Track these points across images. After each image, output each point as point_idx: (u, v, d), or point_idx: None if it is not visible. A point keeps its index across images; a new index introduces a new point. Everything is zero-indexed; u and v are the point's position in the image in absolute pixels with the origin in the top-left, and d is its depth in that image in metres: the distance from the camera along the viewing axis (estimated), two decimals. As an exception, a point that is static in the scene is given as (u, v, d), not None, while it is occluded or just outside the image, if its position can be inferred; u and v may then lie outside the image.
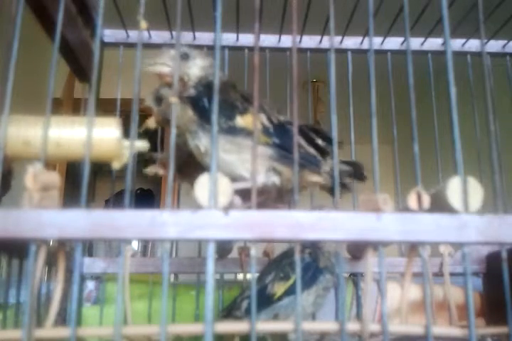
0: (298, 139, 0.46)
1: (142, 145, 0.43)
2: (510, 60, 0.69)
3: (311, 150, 0.47)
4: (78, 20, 0.58)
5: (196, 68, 0.49)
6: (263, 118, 0.47)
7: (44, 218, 0.27)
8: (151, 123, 0.50)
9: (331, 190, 0.48)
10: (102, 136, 0.39)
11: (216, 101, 0.30)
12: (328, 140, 0.48)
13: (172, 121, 0.31)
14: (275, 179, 0.45)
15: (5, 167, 0.30)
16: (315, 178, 0.46)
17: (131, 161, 0.31)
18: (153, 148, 0.66)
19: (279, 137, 0.46)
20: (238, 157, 0.45)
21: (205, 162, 0.47)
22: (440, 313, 0.62)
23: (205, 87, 0.47)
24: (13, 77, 0.32)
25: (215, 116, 0.30)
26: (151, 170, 0.52)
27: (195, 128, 0.46)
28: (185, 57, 0.49)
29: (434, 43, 0.69)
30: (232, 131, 0.45)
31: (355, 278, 0.65)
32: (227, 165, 0.44)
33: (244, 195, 0.38)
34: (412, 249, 0.33)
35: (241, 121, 0.46)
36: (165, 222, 0.27)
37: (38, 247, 0.28)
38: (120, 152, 0.40)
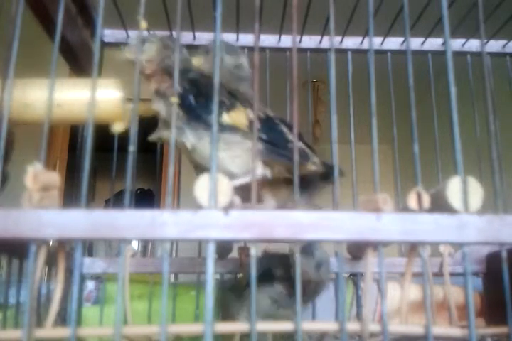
0: (288, 134, 0.47)
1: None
2: (510, 60, 0.69)
3: (300, 144, 0.47)
4: (78, 20, 0.58)
5: (151, 51, 0.49)
6: (250, 113, 0.47)
7: (44, 218, 0.27)
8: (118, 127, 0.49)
9: (322, 177, 0.48)
10: (104, 97, 0.39)
11: (216, 102, 0.30)
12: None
13: (172, 121, 0.31)
14: (267, 172, 0.46)
15: (6, 134, 0.30)
16: (308, 167, 0.46)
17: (131, 160, 0.31)
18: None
19: (266, 132, 0.46)
20: (227, 154, 0.45)
21: (192, 159, 0.47)
22: (440, 313, 0.62)
23: (191, 83, 0.47)
24: (13, 77, 0.32)
25: (215, 117, 0.30)
26: None
27: (181, 124, 0.46)
28: (141, 42, 0.49)
29: (434, 43, 0.69)
30: (220, 128, 0.45)
31: (355, 278, 0.65)
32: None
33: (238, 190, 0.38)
34: (412, 249, 0.33)
35: (227, 118, 0.46)
36: (165, 222, 0.27)
37: (38, 247, 0.28)
38: (122, 114, 0.39)
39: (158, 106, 0.48)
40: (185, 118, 0.46)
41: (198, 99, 0.46)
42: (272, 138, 0.46)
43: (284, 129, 0.47)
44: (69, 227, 0.27)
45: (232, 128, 0.46)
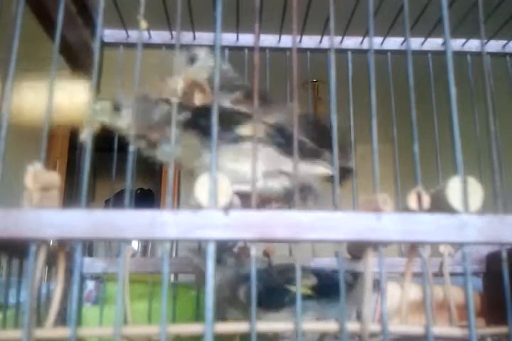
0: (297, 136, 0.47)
1: None
2: (510, 60, 0.69)
3: (311, 145, 0.47)
4: (78, 20, 0.58)
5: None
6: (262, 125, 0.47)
7: (44, 218, 0.27)
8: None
9: (331, 179, 0.48)
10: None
11: (216, 103, 0.30)
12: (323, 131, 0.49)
13: (172, 121, 0.31)
14: (285, 181, 0.46)
15: None
16: (321, 170, 0.47)
17: (131, 160, 0.31)
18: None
19: (281, 136, 0.46)
20: (247, 164, 0.45)
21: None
22: (440, 313, 0.62)
23: (197, 110, 0.48)
24: (13, 77, 0.32)
25: (215, 117, 0.30)
26: None
27: (199, 150, 0.46)
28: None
29: (434, 43, 0.69)
30: (237, 140, 0.46)
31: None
32: (237, 174, 0.44)
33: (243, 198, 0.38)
34: (412, 248, 0.33)
35: (243, 129, 0.46)
36: (165, 222, 0.27)
37: (38, 247, 0.28)
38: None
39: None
40: (204, 142, 0.46)
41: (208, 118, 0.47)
42: (286, 141, 0.46)
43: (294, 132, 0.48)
44: (69, 227, 0.27)
45: (248, 138, 0.46)
